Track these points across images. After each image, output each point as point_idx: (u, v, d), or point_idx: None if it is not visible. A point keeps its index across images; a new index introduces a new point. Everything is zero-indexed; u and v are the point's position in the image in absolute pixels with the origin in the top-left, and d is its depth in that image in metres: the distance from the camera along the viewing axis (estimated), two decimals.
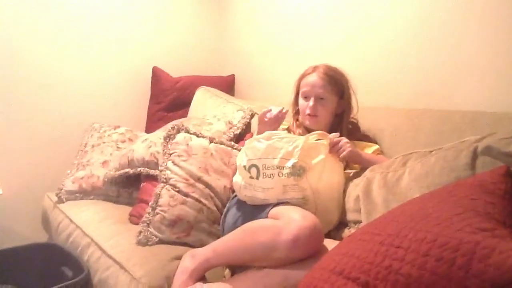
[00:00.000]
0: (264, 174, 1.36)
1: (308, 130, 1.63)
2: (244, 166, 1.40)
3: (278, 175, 1.34)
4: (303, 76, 1.70)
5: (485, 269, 0.63)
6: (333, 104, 1.66)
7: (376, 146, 1.63)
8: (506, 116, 1.34)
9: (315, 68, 1.68)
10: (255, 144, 1.40)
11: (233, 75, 2.93)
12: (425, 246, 0.72)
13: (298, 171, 1.32)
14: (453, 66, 1.65)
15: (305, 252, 1.13)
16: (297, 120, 1.72)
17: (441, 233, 0.73)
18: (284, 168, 1.33)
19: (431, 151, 1.26)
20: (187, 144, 1.70)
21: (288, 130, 1.71)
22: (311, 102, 1.63)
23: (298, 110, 1.73)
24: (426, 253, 0.71)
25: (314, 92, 1.63)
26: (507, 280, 0.61)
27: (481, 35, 1.56)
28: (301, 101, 1.69)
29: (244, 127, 2.09)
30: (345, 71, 1.70)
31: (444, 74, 1.68)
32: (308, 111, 1.64)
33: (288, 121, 1.75)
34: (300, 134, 1.62)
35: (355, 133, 1.69)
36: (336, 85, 1.65)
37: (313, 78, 1.65)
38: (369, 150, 1.60)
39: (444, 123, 1.50)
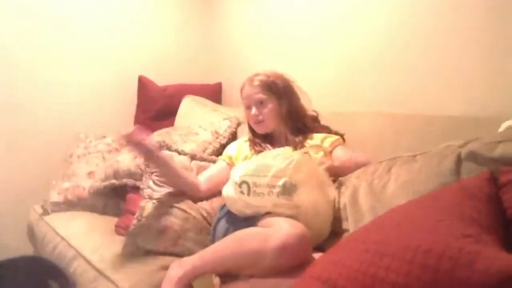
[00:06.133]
0: (254, 192, 1.35)
1: (265, 137, 1.70)
2: (236, 182, 1.39)
3: (268, 194, 1.33)
4: (240, 90, 1.74)
5: (470, 275, 0.64)
6: (274, 105, 1.67)
7: (336, 137, 1.64)
8: (490, 121, 1.34)
9: (247, 79, 1.73)
10: (247, 163, 1.41)
11: (220, 83, 2.93)
12: (410, 253, 0.72)
13: (288, 190, 1.31)
14: (437, 71, 1.67)
15: (292, 260, 1.12)
16: (251, 132, 1.76)
17: (425, 239, 0.73)
18: (275, 187, 1.32)
19: (415, 156, 1.27)
20: None
21: (250, 142, 1.73)
22: (253, 110, 1.67)
23: None
24: (410, 260, 0.71)
25: (252, 100, 1.68)
26: (492, 286, 0.61)
27: (466, 40, 1.58)
28: (246, 113, 1.73)
29: (230, 136, 2.08)
30: (283, 72, 1.72)
31: (428, 79, 1.70)
32: (252, 121, 1.69)
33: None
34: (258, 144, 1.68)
35: (313, 126, 1.71)
36: (271, 86, 1.68)
37: (247, 88, 1.70)
38: (329, 140, 1.61)
39: (428, 127, 1.50)
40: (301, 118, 1.70)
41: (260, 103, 1.67)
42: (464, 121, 1.42)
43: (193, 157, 1.78)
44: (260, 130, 1.71)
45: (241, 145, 1.74)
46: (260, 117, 1.67)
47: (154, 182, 1.65)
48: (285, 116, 1.68)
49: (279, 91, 1.69)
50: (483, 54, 1.53)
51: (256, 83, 1.68)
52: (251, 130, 1.75)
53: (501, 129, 1.20)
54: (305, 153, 1.46)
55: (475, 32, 1.55)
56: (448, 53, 1.63)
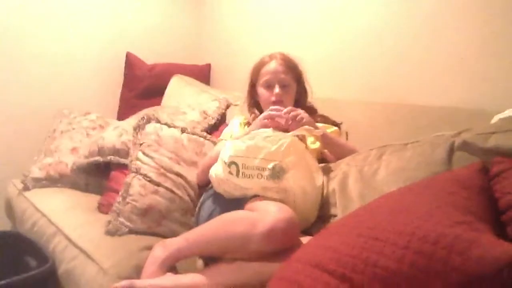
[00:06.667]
0: (243, 174, 1.33)
1: None
2: (225, 162, 1.37)
3: (257, 176, 1.31)
4: (260, 66, 1.68)
5: (465, 262, 0.63)
6: (294, 90, 1.67)
7: (334, 128, 1.64)
8: (482, 113, 1.34)
9: (271, 57, 1.68)
10: (238, 142, 1.38)
11: (209, 64, 2.89)
12: (404, 239, 0.71)
13: (277, 173, 1.29)
14: (430, 62, 1.66)
15: (280, 245, 1.11)
16: (254, 112, 1.70)
17: (420, 226, 0.72)
18: (264, 169, 1.30)
19: (406, 144, 1.26)
20: (158, 134, 1.66)
21: (248, 124, 1.68)
22: (276, 89, 1.61)
23: (255, 102, 1.72)
24: (405, 246, 0.69)
25: (277, 79, 1.63)
26: (488, 274, 0.60)
27: (458, 32, 1.57)
28: (262, 91, 1.66)
29: (219, 117, 2.04)
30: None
31: (421, 70, 1.69)
32: (273, 98, 1.62)
33: (246, 115, 1.73)
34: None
35: (313, 116, 1.68)
36: (294, 70, 1.67)
37: (274, 65, 1.65)
38: (328, 131, 1.59)
39: (419, 118, 1.50)
40: (304, 108, 1.67)
41: (284, 85, 1.63)
42: (456, 112, 1.42)
43: (183, 130, 1.72)
44: None
45: (242, 127, 1.69)
46: (281, 98, 1.61)
47: (144, 153, 1.61)
48: (296, 103, 1.65)
49: (299, 77, 1.68)
50: (475, 46, 1.53)
51: (283, 62, 1.64)
52: (254, 112, 1.70)
53: (493, 121, 1.19)
54: (301, 136, 1.44)
55: (469, 23, 1.54)
56: (440, 44, 1.63)
